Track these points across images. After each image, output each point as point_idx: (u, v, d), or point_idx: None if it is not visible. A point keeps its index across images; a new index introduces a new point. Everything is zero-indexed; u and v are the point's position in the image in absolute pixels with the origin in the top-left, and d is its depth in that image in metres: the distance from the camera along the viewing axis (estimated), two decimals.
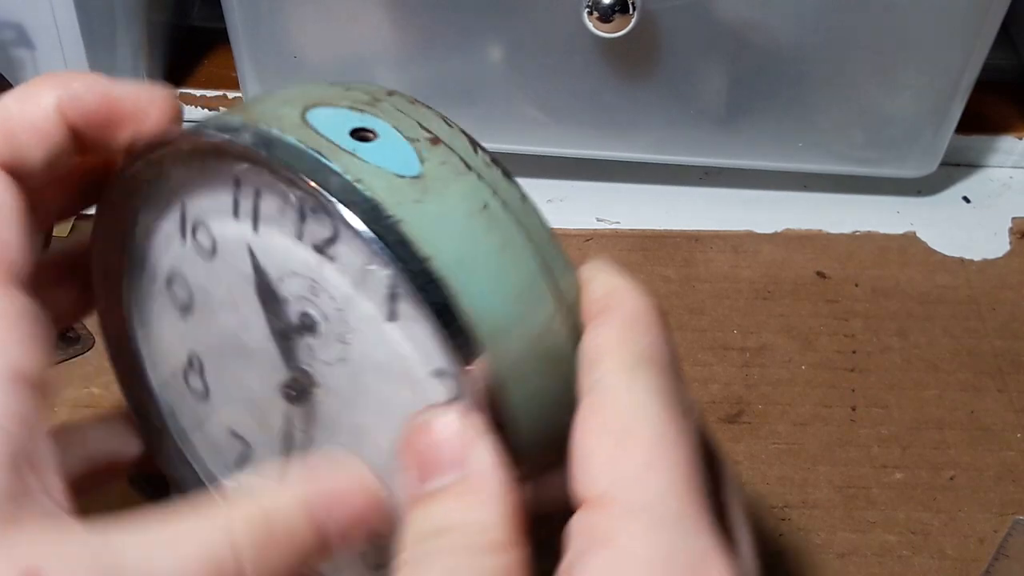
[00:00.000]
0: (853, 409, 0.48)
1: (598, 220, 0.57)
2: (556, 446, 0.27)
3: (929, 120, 0.54)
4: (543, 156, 0.58)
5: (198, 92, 0.61)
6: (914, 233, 0.57)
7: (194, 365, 0.34)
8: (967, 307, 0.53)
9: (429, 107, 0.31)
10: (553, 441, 0.27)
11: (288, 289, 0.30)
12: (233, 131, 0.29)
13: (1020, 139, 0.60)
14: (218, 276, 0.32)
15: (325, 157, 0.28)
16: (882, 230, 0.57)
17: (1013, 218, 0.58)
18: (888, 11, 0.50)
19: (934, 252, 0.56)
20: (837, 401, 0.49)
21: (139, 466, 0.37)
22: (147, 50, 0.57)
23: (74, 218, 0.56)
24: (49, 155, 0.30)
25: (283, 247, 0.30)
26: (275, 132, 0.28)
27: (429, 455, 0.27)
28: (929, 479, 0.46)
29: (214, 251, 0.31)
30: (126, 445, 0.36)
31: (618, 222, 0.57)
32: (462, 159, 0.30)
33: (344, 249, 0.28)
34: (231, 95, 0.61)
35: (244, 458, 0.35)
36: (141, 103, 0.31)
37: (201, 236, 0.32)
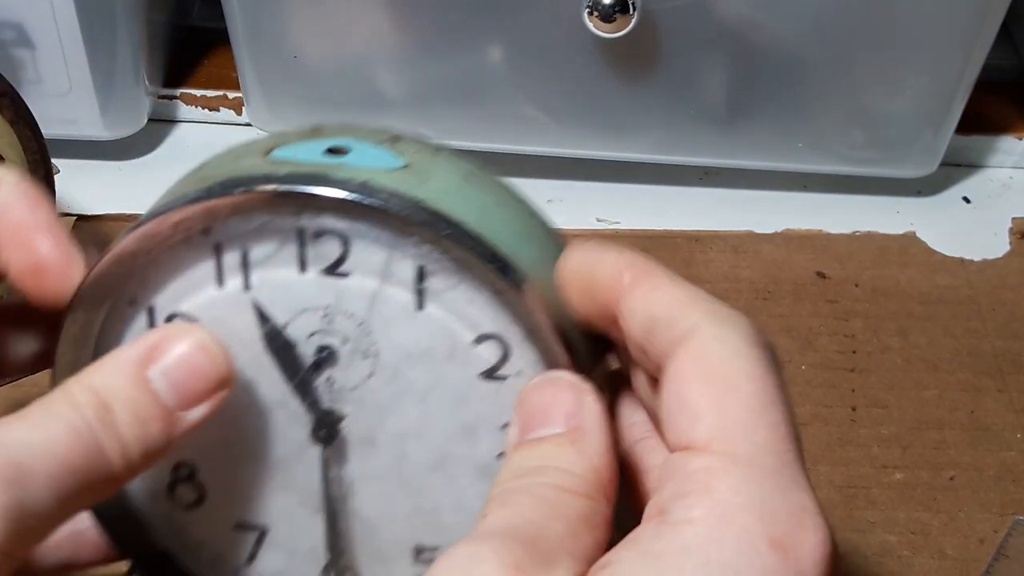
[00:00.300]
0: (853, 409, 0.48)
1: (598, 220, 0.57)
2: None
3: (929, 120, 0.54)
4: (543, 156, 0.58)
5: (198, 92, 0.61)
6: (914, 233, 0.57)
7: (182, 475, 0.33)
8: (967, 307, 0.53)
9: (356, 126, 0.32)
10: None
11: (298, 330, 0.31)
12: (209, 191, 0.29)
13: (1020, 139, 0.60)
14: None
15: (325, 170, 0.29)
16: (882, 230, 0.57)
17: (1013, 218, 0.58)
18: (888, 11, 0.50)
19: (934, 252, 0.56)
20: (837, 401, 0.49)
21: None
22: (147, 50, 0.57)
23: (75, 219, 0.56)
24: None
25: (286, 287, 0.30)
26: (261, 174, 0.29)
27: (539, 408, 0.28)
28: (929, 479, 0.46)
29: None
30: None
31: (618, 222, 0.57)
32: (425, 145, 0.31)
33: (360, 257, 0.29)
34: (231, 95, 0.61)
35: (259, 544, 0.34)
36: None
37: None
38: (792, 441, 0.26)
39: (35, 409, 0.27)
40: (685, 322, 0.27)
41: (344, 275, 0.30)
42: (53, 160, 0.47)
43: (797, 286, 0.54)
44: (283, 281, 0.30)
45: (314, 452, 0.32)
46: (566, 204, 0.58)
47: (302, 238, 0.29)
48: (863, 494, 0.45)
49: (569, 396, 0.28)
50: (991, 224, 0.58)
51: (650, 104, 0.54)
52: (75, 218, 0.56)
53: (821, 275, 0.54)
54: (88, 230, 0.56)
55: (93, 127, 0.56)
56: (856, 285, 0.54)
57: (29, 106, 0.45)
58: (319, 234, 0.29)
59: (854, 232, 0.57)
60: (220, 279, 0.30)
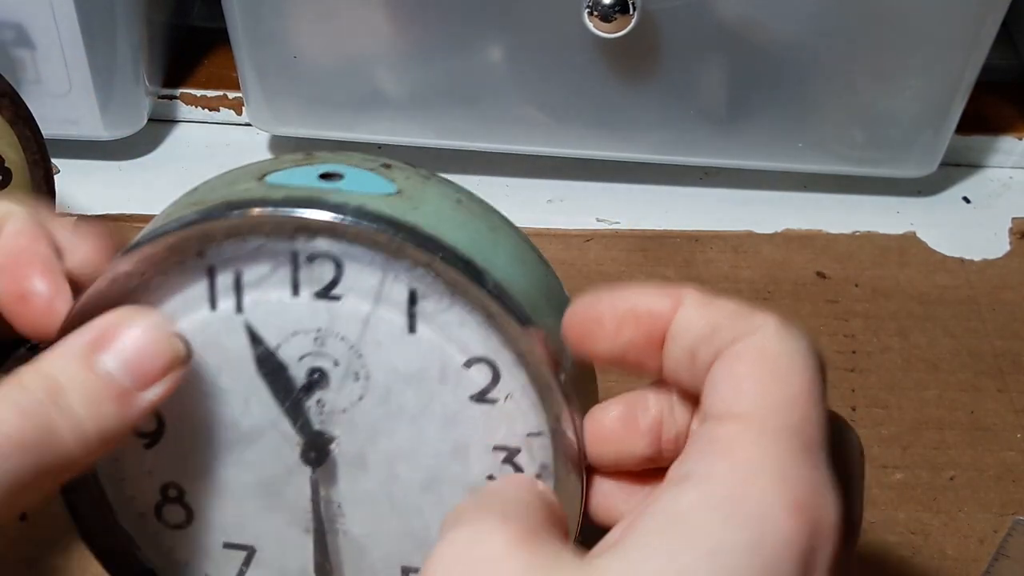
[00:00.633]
0: (853, 409, 0.48)
1: (598, 220, 0.57)
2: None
3: (929, 120, 0.54)
4: (543, 156, 0.58)
5: (198, 92, 0.61)
6: (914, 233, 0.57)
7: (170, 495, 0.34)
8: (967, 307, 0.53)
9: (349, 152, 0.33)
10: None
11: (290, 352, 0.31)
12: (205, 214, 0.29)
13: (1020, 139, 0.60)
14: (196, 378, 0.32)
15: (320, 195, 0.29)
16: (882, 230, 0.57)
17: (1013, 218, 0.58)
18: (888, 11, 0.50)
19: (934, 252, 0.56)
20: (837, 401, 0.49)
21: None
22: (147, 50, 0.57)
23: (75, 219, 0.56)
24: None
25: (278, 309, 0.30)
26: (256, 197, 0.29)
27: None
28: (929, 479, 0.46)
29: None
30: None
31: (618, 222, 0.57)
32: (417, 172, 0.32)
33: (353, 280, 0.30)
34: (231, 95, 0.61)
35: (248, 564, 0.34)
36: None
37: None
38: (823, 442, 0.27)
39: None
40: (751, 322, 0.28)
41: (337, 298, 0.30)
42: (53, 160, 0.47)
43: (797, 286, 0.54)
44: (276, 304, 0.30)
45: (304, 473, 0.32)
46: (566, 204, 0.58)
47: (296, 261, 0.30)
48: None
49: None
50: (991, 224, 0.58)
51: (650, 104, 0.54)
52: (75, 218, 0.56)
53: (821, 275, 0.54)
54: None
55: (93, 127, 0.56)
56: (856, 285, 0.54)
57: (29, 106, 0.45)
58: (313, 257, 0.30)
59: (854, 232, 0.57)
60: (213, 301, 0.31)
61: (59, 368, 0.29)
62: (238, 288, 0.30)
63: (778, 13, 0.51)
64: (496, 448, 0.31)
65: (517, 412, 0.31)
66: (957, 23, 0.50)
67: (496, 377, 0.30)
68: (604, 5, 0.49)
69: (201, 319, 0.31)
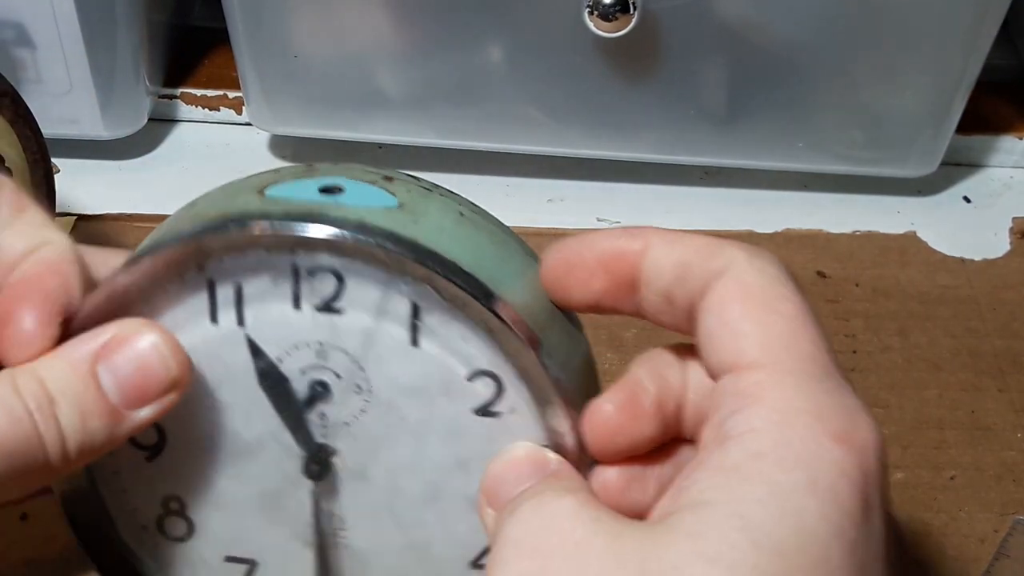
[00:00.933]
0: None
1: (598, 220, 0.57)
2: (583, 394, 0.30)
3: (929, 120, 0.54)
4: (543, 156, 0.58)
5: (198, 92, 0.61)
6: (914, 233, 0.57)
7: (171, 508, 0.34)
8: (967, 307, 0.53)
9: (349, 165, 0.33)
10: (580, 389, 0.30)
11: (292, 366, 0.31)
12: (204, 228, 0.29)
13: (1020, 139, 0.60)
14: (197, 391, 0.31)
15: (320, 209, 0.29)
16: (882, 230, 0.57)
17: (1013, 218, 0.58)
18: (888, 11, 0.50)
19: (934, 252, 0.56)
20: None
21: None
22: (147, 50, 0.57)
23: (75, 219, 0.56)
24: None
25: (280, 323, 0.30)
26: (255, 211, 0.29)
27: (507, 478, 0.30)
28: (929, 479, 0.46)
29: (184, 378, 0.31)
30: None
31: (618, 222, 0.57)
32: (419, 185, 0.31)
33: (354, 294, 0.30)
34: (231, 95, 0.61)
35: None
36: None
37: None
38: (830, 353, 0.27)
39: None
40: (721, 258, 0.28)
41: (338, 311, 0.30)
42: (53, 160, 0.47)
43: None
44: (277, 317, 0.30)
45: (306, 486, 0.32)
46: (566, 204, 0.58)
47: (297, 275, 0.30)
48: None
49: (533, 461, 0.30)
50: (991, 224, 0.58)
51: (650, 104, 0.54)
52: (75, 218, 0.56)
53: (821, 275, 0.54)
54: (88, 230, 0.55)
55: (93, 127, 0.56)
56: (856, 285, 0.54)
57: (29, 106, 0.45)
58: (313, 271, 0.29)
59: (854, 232, 0.57)
60: (214, 314, 0.30)
61: (56, 375, 0.28)
62: (239, 301, 0.30)
63: (778, 13, 0.51)
64: None
65: (520, 425, 0.30)
66: (957, 23, 0.50)
67: (500, 390, 0.30)
68: (604, 4, 0.49)
69: (202, 332, 0.31)
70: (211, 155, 0.60)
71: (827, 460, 0.25)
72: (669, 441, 0.30)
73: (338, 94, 0.55)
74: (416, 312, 0.29)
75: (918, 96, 0.53)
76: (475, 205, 0.32)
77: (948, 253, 0.56)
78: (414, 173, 0.32)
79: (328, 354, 0.30)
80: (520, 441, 0.30)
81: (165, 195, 0.57)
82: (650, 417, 0.29)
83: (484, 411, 0.30)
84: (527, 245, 0.32)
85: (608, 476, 0.29)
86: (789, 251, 0.56)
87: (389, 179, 0.31)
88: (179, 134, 0.61)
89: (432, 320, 0.30)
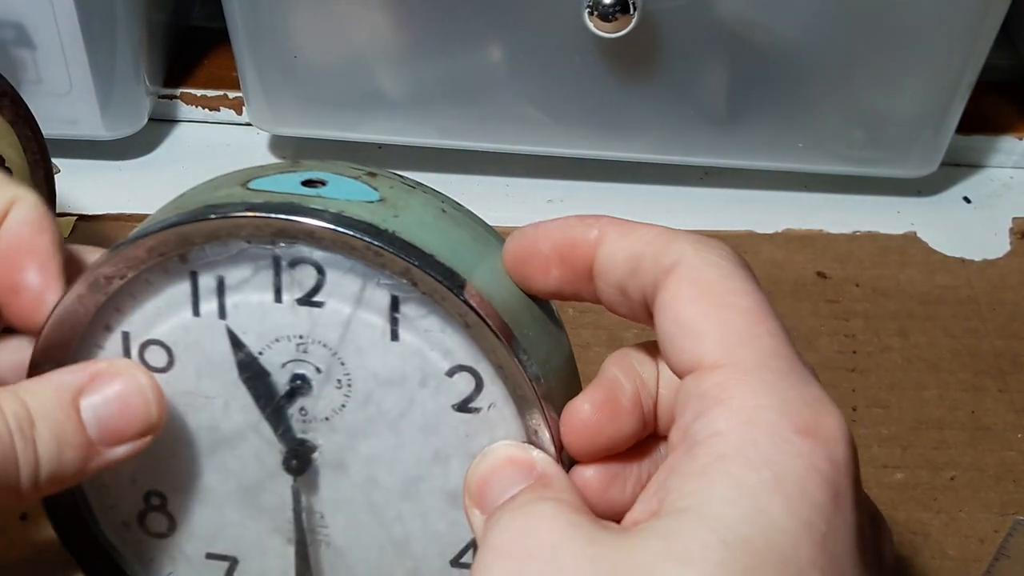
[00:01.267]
0: (853, 409, 0.48)
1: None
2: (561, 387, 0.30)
3: (929, 120, 0.54)
4: (543, 156, 0.58)
5: (198, 92, 0.61)
6: (914, 233, 0.57)
7: (152, 504, 0.34)
8: (967, 307, 0.53)
9: (334, 161, 0.33)
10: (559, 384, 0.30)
11: (273, 358, 0.31)
12: (184, 217, 0.29)
13: (1020, 139, 0.60)
14: (178, 383, 0.32)
15: (300, 200, 0.29)
16: (882, 230, 0.57)
17: (1013, 218, 0.58)
18: (888, 11, 0.50)
19: (934, 252, 0.56)
20: (837, 401, 0.48)
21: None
22: (147, 50, 0.57)
23: (75, 219, 0.56)
24: None
25: (261, 314, 0.30)
26: (237, 201, 0.29)
27: (493, 481, 0.29)
28: (929, 479, 0.46)
29: (171, 361, 0.31)
30: None
31: None
32: (402, 182, 0.31)
33: (335, 286, 0.30)
34: (231, 95, 0.61)
35: (231, 574, 0.34)
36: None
37: (151, 354, 0.31)
38: (790, 343, 0.27)
39: None
40: (671, 252, 0.27)
41: (319, 304, 0.30)
42: (53, 160, 0.47)
43: (797, 286, 0.54)
44: (258, 309, 0.30)
45: (285, 480, 0.32)
46: (566, 204, 0.58)
47: (278, 266, 0.30)
48: None
49: (519, 463, 0.29)
50: (991, 224, 0.57)
51: (650, 104, 0.54)
52: (75, 218, 0.56)
53: (821, 275, 0.54)
54: (88, 230, 0.55)
55: (93, 127, 0.56)
56: (856, 285, 0.54)
57: (30, 106, 0.45)
58: (294, 263, 0.30)
59: (854, 232, 0.57)
60: (196, 305, 0.31)
61: (40, 400, 0.29)
62: (221, 293, 0.30)
63: (778, 13, 0.51)
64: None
65: (500, 420, 0.31)
66: (957, 23, 0.50)
67: (479, 386, 0.30)
68: (604, 5, 0.49)
69: (183, 323, 0.31)
70: (211, 155, 0.60)
71: (793, 455, 0.25)
72: (646, 438, 0.30)
73: (338, 94, 0.55)
74: (395, 305, 0.30)
75: (918, 96, 0.53)
76: (458, 203, 0.32)
77: (948, 253, 0.56)
78: (412, 173, 0.32)
79: (308, 347, 0.31)
80: (502, 440, 0.30)
81: (165, 195, 0.56)
82: (628, 415, 0.29)
83: (463, 406, 0.31)
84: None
85: (587, 476, 0.29)
86: (789, 251, 0.56)
87: (373, 175, 0.31)
88: (179, 134, 0.61)
89: (412, 314, 0.30)
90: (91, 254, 0.32)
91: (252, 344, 0.31)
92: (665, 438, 0.30)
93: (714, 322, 0.26)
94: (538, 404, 0.29)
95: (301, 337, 0.30)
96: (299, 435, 0.32)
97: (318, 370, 0.31)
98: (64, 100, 0.55)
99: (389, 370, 0.30)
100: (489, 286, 0.29)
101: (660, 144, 0.56)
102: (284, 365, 0.31)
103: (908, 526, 0.44)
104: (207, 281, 0.30)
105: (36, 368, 0.31)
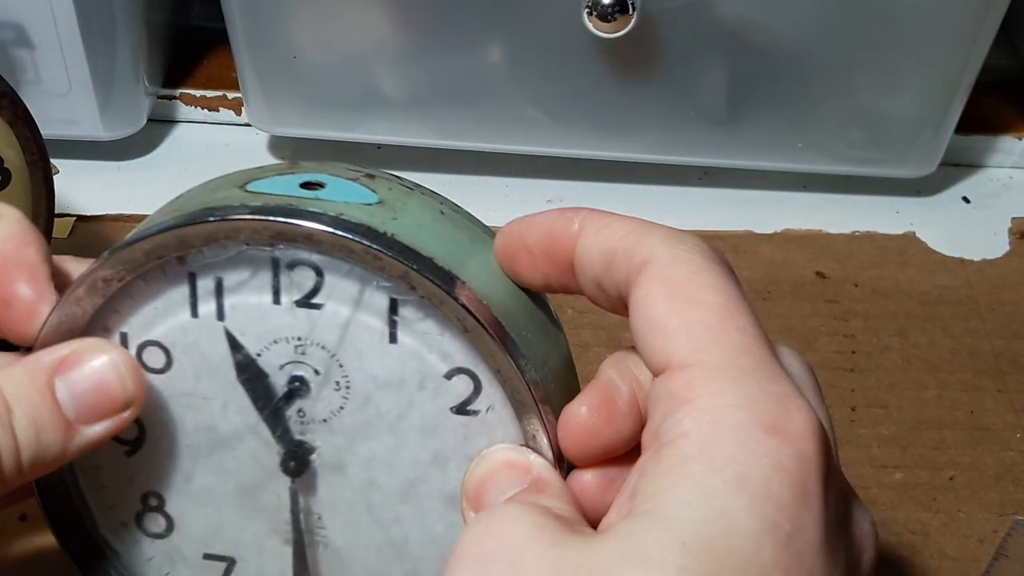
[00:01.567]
0: (853, 409, 0.48)
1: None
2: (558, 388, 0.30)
3: (929, 120, 0.54)
4: (543, 156, 0.58)
5: (198, 92, 0.61)
6: (914, 233, 0.57)
7: (150, 504, 0.34)
8: (967, 307, 0.53)
9: (333, 163, 0.33)
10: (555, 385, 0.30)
11: (271, 360, 0.31)
12: (182, 219, 0.29)
13: (1020, 139, 0.60)
14: (176, 384, 0.32)
15: (298, 203, 0.29)
16: (882, 230, 0.57)
17: (1013, 218, 0.58)
18: (888, 11, 0.50)
19: (934, 252, 0.56)
20: (837, 401, 0.49)
21: None
22: (147, 50, 0.57)
23: (74, 219, 0.56)
24: None
25: (259, 316, 0.30)
26: (235, 204, 0.29)
27: (489, 483, 0.29)
28: (929, 479, 0.46)
29: (169, 362, 0.31)
30: None
31: None
32: (401, 183, 0.31)
33: (333, 288, 0.30)
34: (231, 95, 0.61)
35: (229, 574, 0.34)
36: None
37: (149, 355, 0.32)
38: (762, 339, 0.26)
39: None
40: (643, 248, 0.27)
41: (318, 306, 0.30)
42: (53, 160, 0.47)
43: (797, 286, 0.54)
44: (257, 310, 0.30)
45: (283, 482, 0.32)
46: (566, 204, 0.58)
47: (276, 268, 0.30)
48: (863, 494, 0.45)
49: (515, 467, 0.29)
50: (991, 224, 0.57)
51: (650, 104, 0.54)
52: (74, 218, 0.56)
53: (821, 275, 0.54)
54: (88, 230, 0.55)
55: (93, 127, 0.56)
56: (856, 285, 0.54)
57: (29, 106, 0.45)
58: (293, 265, 0.30)
59: (854, 232, 0.57)
60: (194, 307, 0.31)
61: (14, 385, 0.29)
62: (219, 295, 0.30)
63: (778, 13, 0.51)
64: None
65: (498, 423, 0.31)
66: (957, 23, 0.50)
67: (478, 388, 0.30)
68: (603, 5, 0.49)
69: (181, 324, 0.31)
70: (210, 156, 0.60)
71: (759, 454, 0.24)
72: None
73: (338, 95, 0.55)
74: (394, 308, 0.30)
75: (918, 96, 0.53)
76: (457, 205, 0.32)
77: (947, 253, 0.56)
78: (411, 173, 0.32)
79: (307, 349, 0.31)
80: (501, 442, 0.30)
81: (165, 196, 0.56)
82: (624, 417, 0.29)
83: (462, 409, 0.31)
84: None
85: (585, 480, 0.29)
86: (789, 251, 0.56)
87: (371, 177, 0.31)
88: (178, 135, 0.61)
89: (410, 316, 0.30)
90: (74, 264, 0.32)
91: (250, 345, 0.31)
92: None
93: (682, 320, 0.26)
94: (536, 409, 0.29)
95: (299, 339, 0.30)
96: (297, 437, 0.32)
97: (316, 372, 0.31)
98: (63, 100, 0.55)
99: (388, 372, 0.30)
100: (486, 288, 0.29)
101: (660, 144, 0.56)
102: (282, 367, 0.31)
103: (907, 526, 0.44)
104: (205, 283, 0.30)
105: None
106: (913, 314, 0.52)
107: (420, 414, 0.31)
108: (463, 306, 0.28)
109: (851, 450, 0.47)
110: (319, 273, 0.30)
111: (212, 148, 0.61)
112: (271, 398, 0.31)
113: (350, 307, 0.30)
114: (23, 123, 0.45)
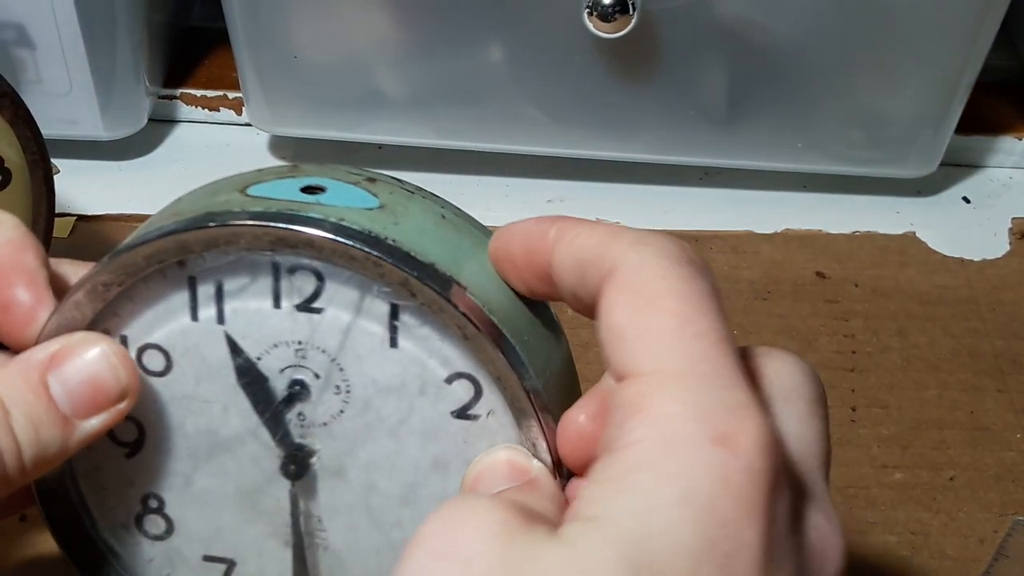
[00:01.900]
0: (853, 409, 0.48)
1: (598, 220, 0.57)
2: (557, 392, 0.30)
3: (929, 120, 0.54)
4: (543, 156, 0.58)
5: (198, 92, 0.61)
6: (914, 233, 0.57)
7: (150, 506, 0.34)
8: (967, 307, 0.53)
9: (334, 166, 0.33)
10: (554, 389, 0.30)
11: (271, 364, 0.31)
12: (183, 224, 0.29)
13: (1020, 139, 0.60)
14: (177, 387, 0.32)
15: (298, 208, 0.29)
16: (882, 230, 0.57)
17: (1013, 218, 0.58)
18: (888, 11, 0.50)
19: (934, 252, 0.56)
20: (837, 401, 0.49)
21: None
22: (147, 50, 0.57)
23: (75, 219, 0.56)
24: None
25: (259, 320, 0.30)
26: (235, 209, 0.29)
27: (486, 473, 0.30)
28: (929, 479, 0.46)
29: (169, 365, 0.31)
30: None
31: (618, 222, 0.57)
32: (402, 187, 0.31)
33: (334, 293, 0.30)
34: (231, 95, 0.61)
35: None
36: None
37: (149, 359, 0.31)
38: (724, 344, 0.26)
39: None
40: (609, 256, 0.27)
41: (318, 311, 0.30)
42: (53, 160, 0.47)
43: (797, 286, 0.54)
44: (257, 314, 0.30)
45: (283, 485, 0.32)
46: (566, 204, 0.58)
47: (277, 273, 0.30)
48: (863, 494, 0.45)
49: (514, 466, 0.30)
50: (991, 224, 0.58)
51: (650, 104, 0.54)
52: (75, 218, 0.56)
53: (821, 275, 0.54)
54: (88, 230, 0.56)
55: (93, 127, 0.56)
56: (856, 285, 0.54)
57: (29, 106, 0.45)
58: (293, 269, 0.30)
59: (854, 232, 0.57)
60: (194, 311, 0.31)
61: (8, 385, 0.29)
62: (219, 299, 0.30)
63: (778, 13, 0.51)
64: None
65: (498, 428, 0.30)
66: (957, 23, 0.50)
67: (478, 393, 0.30)
68: (604, 5, 0.49)
69: (181, 327, 0.31)
70: (211, 156, 0.60)
71: (706, 467, 0.24)
72: None
73: (338, 94, 0.55)
74: (395, 312, 0.30)
75: (918, 96, 0.53)
76: (458, 209, 0.32)
77: (947, 253, 0.56)
78: (412, 173, 0.32)
79: (307, 353, 0.31)
80: (502, 445, 0.30)
81: (165, 196, 0.56)
82: None
83: (462, 414, 0.30)
84: None
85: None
86: (789, 251, 0.56)
87: (372, 180, 0.31)
88: (179, 135, 0.61)
89: (411, 322, 0.30)
90: (71, 267, 0.32)
91: (251, 349, 0.31)
92: None
93: (641, 328, 0.26)
94: (535, 416, 0.29)
95: (300, 343, 0.30)
96: (297, 440, 0.32)
97: (317, 376, 0.31)
98: (64, 100, 0.55)
99: (388, 377, 0.30)
100: (487, 294, 0.29)
101: (660, 144, 0.56)
102: (283, 371, 0.31)
103: (907, 526, 0.44)
104: (206, 287, 0.30)
105: None
106: (913, 314, 0.52)
107: (420, 419, 0.31)
108: (463, 314, 0.28)
109: (851, 450, 0.47)
110: (320, 278, 0.29)
111: (213, 148, 0.61)
112: (271, 402, 0.31)
113: (351, 312, 0.30)
114: (24, 123, 0.45)
